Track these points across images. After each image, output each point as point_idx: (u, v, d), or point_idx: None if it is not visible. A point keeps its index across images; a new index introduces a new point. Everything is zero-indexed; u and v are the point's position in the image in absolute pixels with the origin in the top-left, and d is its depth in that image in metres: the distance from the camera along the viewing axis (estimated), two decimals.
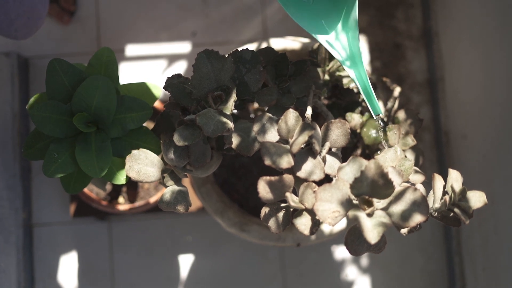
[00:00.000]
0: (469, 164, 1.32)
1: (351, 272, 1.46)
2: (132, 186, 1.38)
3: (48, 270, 1.43)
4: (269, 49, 0.84)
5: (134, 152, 0.82)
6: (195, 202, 1.39)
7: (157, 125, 0.87)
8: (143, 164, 0.82)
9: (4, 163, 1.36)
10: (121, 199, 1.38)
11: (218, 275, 1.44)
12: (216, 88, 0.79)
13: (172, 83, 0.81)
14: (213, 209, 1.12)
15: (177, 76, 0.82)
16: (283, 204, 0.76)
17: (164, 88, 0.82)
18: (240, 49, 0.82)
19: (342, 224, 1.11)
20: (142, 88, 0.93)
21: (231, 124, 0.76)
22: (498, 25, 1.16)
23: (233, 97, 0.78)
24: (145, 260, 1.44)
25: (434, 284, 1.46)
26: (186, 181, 1.35)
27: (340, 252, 1.45)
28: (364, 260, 1.46)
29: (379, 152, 0.88)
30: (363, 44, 1.51)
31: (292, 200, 0.73)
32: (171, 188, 0.83)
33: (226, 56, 0.80)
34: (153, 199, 1.34)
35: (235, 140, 0.79)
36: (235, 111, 0.89)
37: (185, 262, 1.44)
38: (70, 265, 1.43)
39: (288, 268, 1.45)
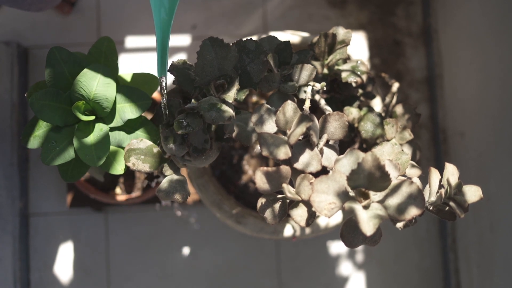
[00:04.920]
0: (466, 162, 1.32)
1: (346, 267, 1.46)
2: (129, 177, 1.38)
3: (44, 260, 1.43)
4: (272, 37, 0.84)
5: (133, 141, 0.82)
6: (192, 194, 1.39)
7: (156, 115, 0.87)
8: (141, 154, 0.82)
9: (2, 152, 1.36)
10: (118, 190, 1.38)
11: (214, 269, 1.45)
12: (219, 77, 0.80)
13: (177, 67, 0.81)
14: (209, 201, 1.12)
15: (182, 61, 0.82)
16: (279, 196, 0.76)
17: (169, 71, 0.82)
18: (244, 39, 0.82)
19: (337, 218, 1.11)
20: (141, 79, 0.93)
21: (233, 113, 0.76)
22: (497, 24, 1.16)
23: (236, 86, 0.78)
24: (140, 251, 1.44)
25: (428, 281, 1.47)
26: (183, 173, 1.36)
27: (336, 247, 1.46)
28: (359, 255, 1.46)
29: (376, 146, 0.88)
30: (363, 41, 1.51)
31: (289, 191, 0.73)
32: (169, 177, 0.83)
33: (230, 45, 0.80)
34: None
35: (236, 130, 0.79)
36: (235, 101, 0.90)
37: (181, 254, 1.44)
38: (65, 255, 1.43)
39: (284, 263, 1.45)
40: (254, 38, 1.14)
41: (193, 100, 0.80)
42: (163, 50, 0.81)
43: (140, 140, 0.83)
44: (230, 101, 0.77)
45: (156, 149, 0.83)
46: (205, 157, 0.82)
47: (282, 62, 0.84)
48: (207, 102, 0.76)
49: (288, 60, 0.84)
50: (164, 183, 0.82)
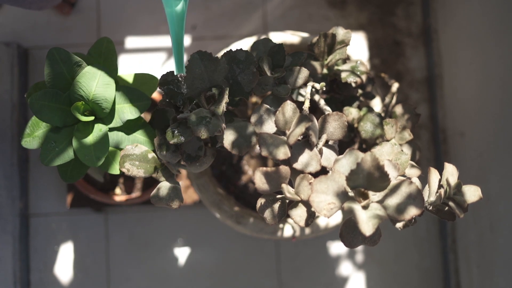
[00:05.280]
0: (466, 162, 1.32)
1: (346, 268, 1.46)
2: (129, 178, 1.38)
3: (44, 260, 1.43)
4: (266, 40, 0.84)
5: (128, 147, 0.82)
6: (192, 194, 1.39)
7: (153, 118, 0.87)
8: (136, 160, 0.82)
9: (2, 153, 1.36)
10: (117, 190, 1.38)
11: (214, 269, 1.45)
12: (209, 88, 0.80)
13: (166, 80, 0.81)
14: (209, 201, 1.12)
15: (171, 74, 0.82)
16: (279, 196, 0.76)
17: (158, 85, 0.82)
18: (234, 49, 0.82)
19: (337, 218, 1.11)
20: (140, 79, 0.93)
21: (222, 125, 0.76)
22: (497, 24, 1.16)
23: (225, 98, 0.78)
24: (140, 252, 1.44)
25: (428, 281, 1.46)
26: (183, 173, 1.36)
27: (336, 247, 1.46)
28: (359, 256, 1.46)
29: (376, 146, 0.88)
30: (363, 41, 1.51)
31: (288, 191, 0.73)
32: (164, 183, 0.83)
33: (220, 56, 0.80)
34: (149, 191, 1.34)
35: (228, 139, 0.79)
36: (230, 107, 0.89)
37: (181, 255, 1.44)
38: (65, 255, 1.43)
39: (284, 263, 1.45)
40: (254, 38, 1.15)
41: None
42: (178, 46, 0.80)
43: (135, 146, 0.83)
44: (220, 113, 0.77)
45: (151, 155, 0.83)
46: (199, 163, 0.82)
47: (275, 65, 0.84)
48: (196, 115, 0.76)
49: (281, 63, 0.84)
50: (159, 189, 0.82)
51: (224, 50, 1.02)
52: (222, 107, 0.77)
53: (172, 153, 0.81)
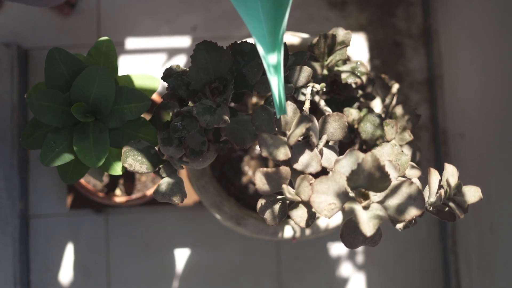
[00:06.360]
0: (466, 163, 1.32)
1: (346, 269, 1.46)
2: (129, 179, 1.38)
3: (44, 261, 1.43)
4: None
5: (131, 142, 0.82)
6: (192, 195, 1.39)
7: (154, 116, 0.87)
8: (139, 155, 0.82)
9: (2, 154, 1.36)
10: (118, 191, 1.38)
11: (214, 270, 1.45)
12: (213, 80, 0.79)
13: (170, 73, 0.81)
14: (209, 203, 1.12)
15: (175, 67, 0.82)
16: (279, 196, 0.76)
17: (162, 78, 0.82)
18: (239, 41, 0.82)
19: (337, 219, 1.11)
20: (141, 80, 0.93)
21: (227, 116, 0.76)
22: (497, 24, 1.16)
23: (231, 89, 0.78)
24: (141, 253, 1.44)
25: (429, 282, 1.46)
26: (183, 174, 1.36)
27: (336, 248, 1.46)
28: (360, 257, 1.46)
29: (376, 147, 0.88)
30: (363, 42, 1.51)
31: (289, 192, 0.73)
32: (166, 179, 0.83)
33: (225, 48, 0.80)
34: (149, 192, 1.34)
35: (231, 132, 0.79)
36: (232, 104, 0.90)
37: (181, 256, 1.44)
38: (66, 257, 1.43)
39: (284, 264, 1.45)
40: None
41: (189, 103, 0.80)
42: (278, 83, 0.65)
43: (138, 141, 0.82)
44: (225, 104, 0.77)
45: (153, 151, 0.83)
46: (202, 159, 0.82)
47: None
48: (202, 105, 0.76)
49: (284, 62, 0.84)
50: (162, 185, 0.82)
51: None
52: (228, 98, 0.77)
53: (175, 148, 0.80)
